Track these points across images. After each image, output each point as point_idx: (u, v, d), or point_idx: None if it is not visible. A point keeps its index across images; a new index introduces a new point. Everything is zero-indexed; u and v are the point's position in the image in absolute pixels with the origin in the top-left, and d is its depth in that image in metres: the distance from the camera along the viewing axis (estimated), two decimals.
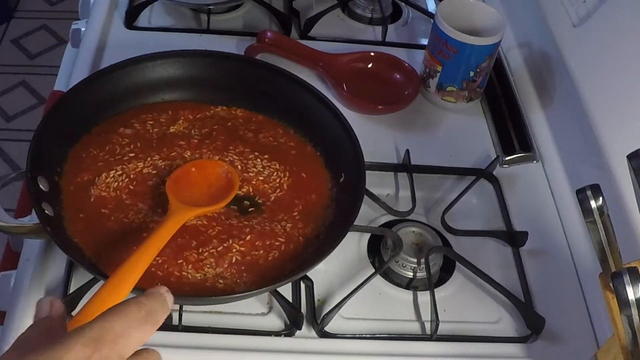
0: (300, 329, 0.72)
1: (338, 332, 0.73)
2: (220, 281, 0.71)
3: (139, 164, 0.79)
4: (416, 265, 0.78)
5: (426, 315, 0.76)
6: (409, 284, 0.79)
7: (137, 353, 0.48)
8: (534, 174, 0.93)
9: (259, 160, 0.81)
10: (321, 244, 0.75)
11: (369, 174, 0.79)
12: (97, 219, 0.74)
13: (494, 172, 0.90)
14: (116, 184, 0.77)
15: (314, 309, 0.74)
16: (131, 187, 0.77)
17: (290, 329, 0.72)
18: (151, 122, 0.84)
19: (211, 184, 0.78)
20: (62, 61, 1.21)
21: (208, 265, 0.71)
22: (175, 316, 0.71)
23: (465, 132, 0.98)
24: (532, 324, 0.75)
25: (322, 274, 0.77)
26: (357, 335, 0.73)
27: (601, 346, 0.63)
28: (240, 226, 0.75)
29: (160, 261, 0.70)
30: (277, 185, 0.80)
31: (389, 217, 0.83)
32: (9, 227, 0.69)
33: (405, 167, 0.89)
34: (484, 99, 1.01)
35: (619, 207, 0.72)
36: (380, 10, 1.13)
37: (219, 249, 0.73)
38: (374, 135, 0.93)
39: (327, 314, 0.72)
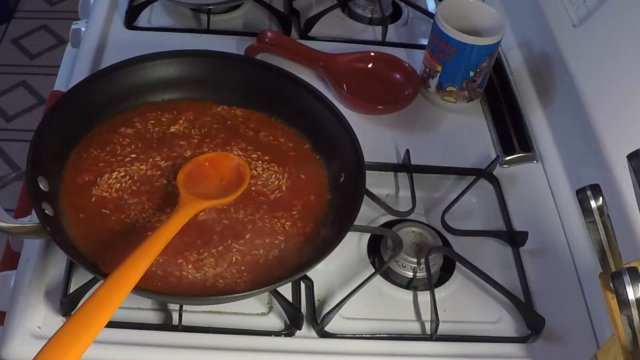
0: (300, 329, 0.72)
1: (338, 332, 0.73)
2: (220, 281, 0.71)
3: (141, 166, 0.79)
4: (416, 265, 0.78)
5: (426, 315, 0.76)
6: (409, 284, 0.79)
7: None
8: (534, 174, 0.93)
9: (259, 162, 0.81)
10: (321, 244, 0.75)
11: (369, 174, 0.79)
12: (97, 219, 0.74)
13: (494, 172, 0.90)
14: (119, 185, 0.77)
15: (314, 309, 0.74)
16: (134, 188, 0.77)
17: (290, 329, 0.72)
18: (152, 122, 0.84)
19: (223, 177, 0.79)
20: (62, 61, 1.21)
21: (208, 265, 0.71)
22: (175, 316, 0.71)
23: (465, 132, 0.97)
24: (532, 324, 0.75)
25: (322, 274, 0.77)
26: (357, 335, 0.73)
27: (601, 346, 0.63)
28: (244, 221, 0.75)
29: (160, 261, 0.70)
30: (276, 186, 0.80)
31: (389, 217, 0.83)
32: (9, 227, 0.69)
33: (405, 167, 0.89)
34: (484, 99, 1.01)
35: (619, 207, 0.72)
36: (380, 10, 1.13)
37: (219, 248, 0.73)
38: (374, 135, 0.93)
39: (327, 314, 0.72)
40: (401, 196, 0.87)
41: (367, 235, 0.82)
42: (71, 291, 0.71)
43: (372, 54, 1.03)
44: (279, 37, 1.03)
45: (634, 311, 0.50)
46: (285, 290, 0.74)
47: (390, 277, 0.79)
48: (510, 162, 0.93)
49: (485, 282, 0.78)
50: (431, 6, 1.17)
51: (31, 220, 0.77)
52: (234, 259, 0.72)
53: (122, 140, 0.81)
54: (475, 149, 0.95)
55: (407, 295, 0.78)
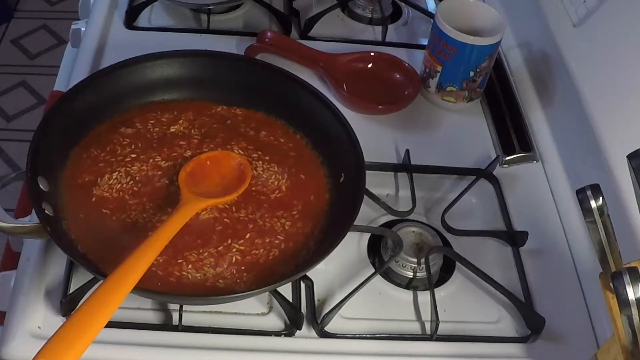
0: (300, 329, 0.72)
1: (338, 332, 0.73)
2: (221, 281, 0.71)
3: (142, 166, 0.79)
4: (416, 265, 0.78)
5: (426, 315, 0.76)
6: (409, 284, 0.79)
7: None
8: (534, 174, 0.93)
9: (260, 162, 0.81)
10: (321, 244, 0.75)
11: (369, 174, 0.79)
12: (98, 219, 0.74)
13: (494, 172, 0.90)
14: (119, 185, 0.77)
15: (314, 309, 0.74)
16: (135, 189, 0.77)
17: (290, 329, 0.72)
18: (152, 122, 0.84)
19: (224, 175, 0.79)
20: (62, 61, 1.21)
21: (208, 265, 0.71)
22: (175, 316, 0.71)
23: (465, 132, 0.98)
24: (532, 324, 0.75)
25: (322, 274, 0.77)
26: (357, 335, 0.73)
27: (601, 346, 0.63)
28: (245, 220, 0.75)
29: (160, 261, 0.70)
30: (276, 186, 0.80)
31: (389, 217, 0.83)
32: (9, 227, 0.69)
33: (405, 167, 0.89)
34: (484, 99, 1.01)
35: (619, 207, 0.72)
36: (380, 10, 1.13)
37: (219, 248, 0.73)
38: (374, 135, 0.93)
39: (327, 314, 0.72)
40: (401, 196, 0.87)
41: (367, 235, 0.82)
42: (71, 291, 0.71)
43: (372, 54, 1.03)
44: (279, 37, 1.03)
45: (634, 311, 0.50)
46: (285, 290, 0.74)
47: (390, 277, 0.79)
48: (510, 162, 0.93)
49: (485, 282, 0.78)
50: (431, 6, 1.17)
51: (31, 220, 0.77)
52: (234, 258, 0.72)
53: (122, 140, 0.81)
54: (475, 149, 0.95)
55: (407, 295, 0.78)
